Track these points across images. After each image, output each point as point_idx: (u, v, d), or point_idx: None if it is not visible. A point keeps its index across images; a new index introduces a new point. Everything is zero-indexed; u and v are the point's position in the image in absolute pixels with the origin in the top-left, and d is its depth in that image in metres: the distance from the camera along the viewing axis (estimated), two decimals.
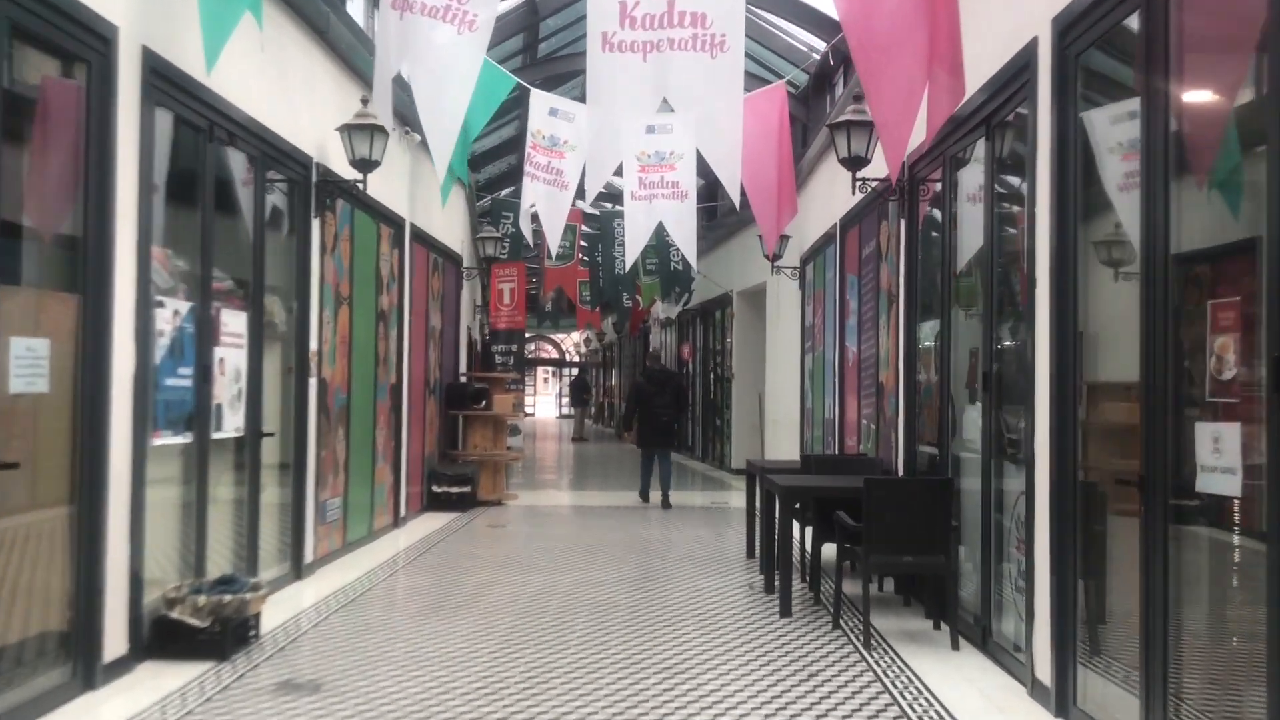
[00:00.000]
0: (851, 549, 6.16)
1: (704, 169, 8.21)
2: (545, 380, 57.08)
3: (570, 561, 8.42)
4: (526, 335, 48.19)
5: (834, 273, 10.56)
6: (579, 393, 31.81)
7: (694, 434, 20.84)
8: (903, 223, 7.51)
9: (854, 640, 5.85)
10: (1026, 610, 4.97)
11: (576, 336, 46.10)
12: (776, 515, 7.15)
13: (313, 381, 7.59)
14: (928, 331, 6.98)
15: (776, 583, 7.09)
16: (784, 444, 13.70)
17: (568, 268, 16.63)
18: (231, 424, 6.24)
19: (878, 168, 7.70)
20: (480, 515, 11.32)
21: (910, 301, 7.33)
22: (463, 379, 13.10)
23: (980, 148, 5.87)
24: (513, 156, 17.91)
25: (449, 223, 12.52)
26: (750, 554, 8.75)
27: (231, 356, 6.20)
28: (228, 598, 5.23)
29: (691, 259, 10.79)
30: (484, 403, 12.28)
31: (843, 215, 10.02)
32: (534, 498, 13.32)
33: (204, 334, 5.82)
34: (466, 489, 11.54)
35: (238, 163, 6.49)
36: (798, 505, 6.88)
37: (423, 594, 7.11)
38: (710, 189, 18.72)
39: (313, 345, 7.56)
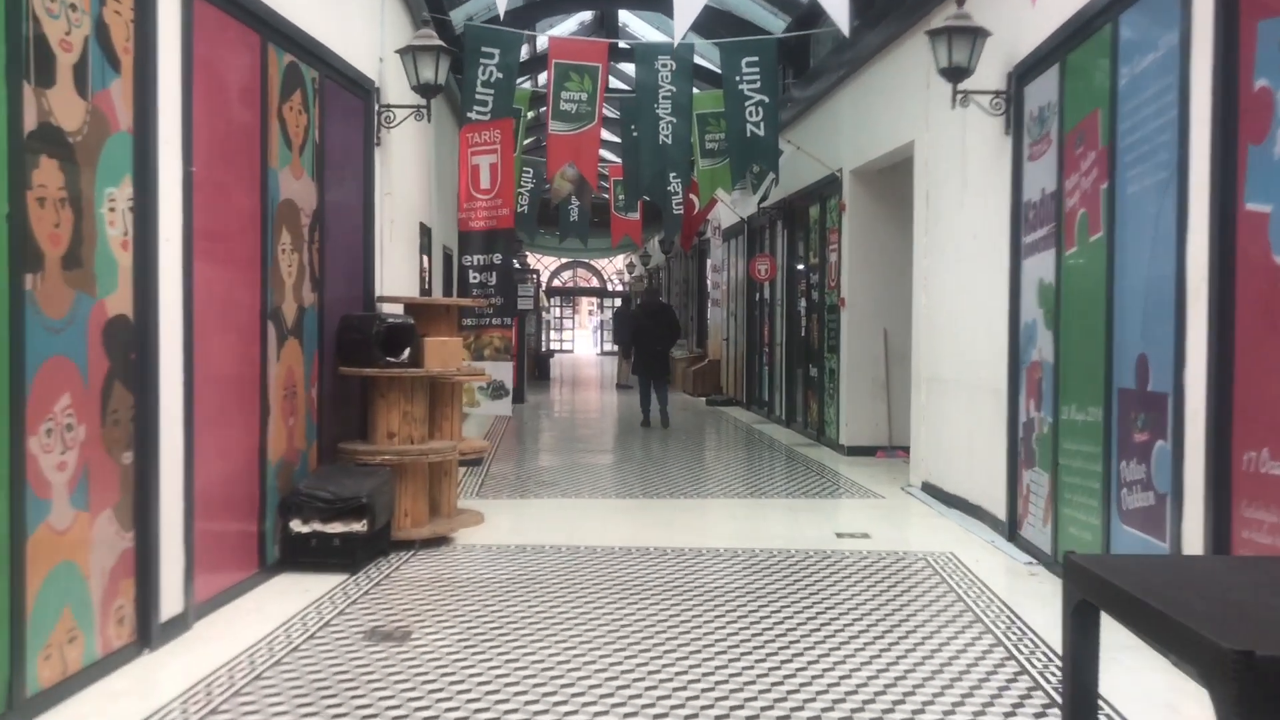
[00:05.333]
0: None
1: None
2: (590, 313, 51.39)
3: None
4: (561, 260, 42.44)
5: (1169, 51, 4.50)
6: (623, 329, 25.84)
7: (768, 384, 14.87)
8: None
9: None
10: None
11: (619, 262, 40.13)
12: None
13: None
14: None
15: None
16: (958, 422, 7.72)
17: (585, 133, 10.61)
18: None
19: None
20: (380, 583, 5.54)
21: None
22: (386, 312, 7.22)
23: None
24: None
25: (340, 6, 6.58)
26: None
27: None
28: None
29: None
30: (405, 353, 6.41)
31: None
32: (519, 517, 7.52)
33: None
34: (359, 525, 5.74)
35: None
36: None
37: None
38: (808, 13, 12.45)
39: None
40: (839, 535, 6.85)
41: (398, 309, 7.17)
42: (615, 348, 30.26)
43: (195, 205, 4.70)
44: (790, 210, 13.39)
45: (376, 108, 7.19)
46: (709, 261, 20.01)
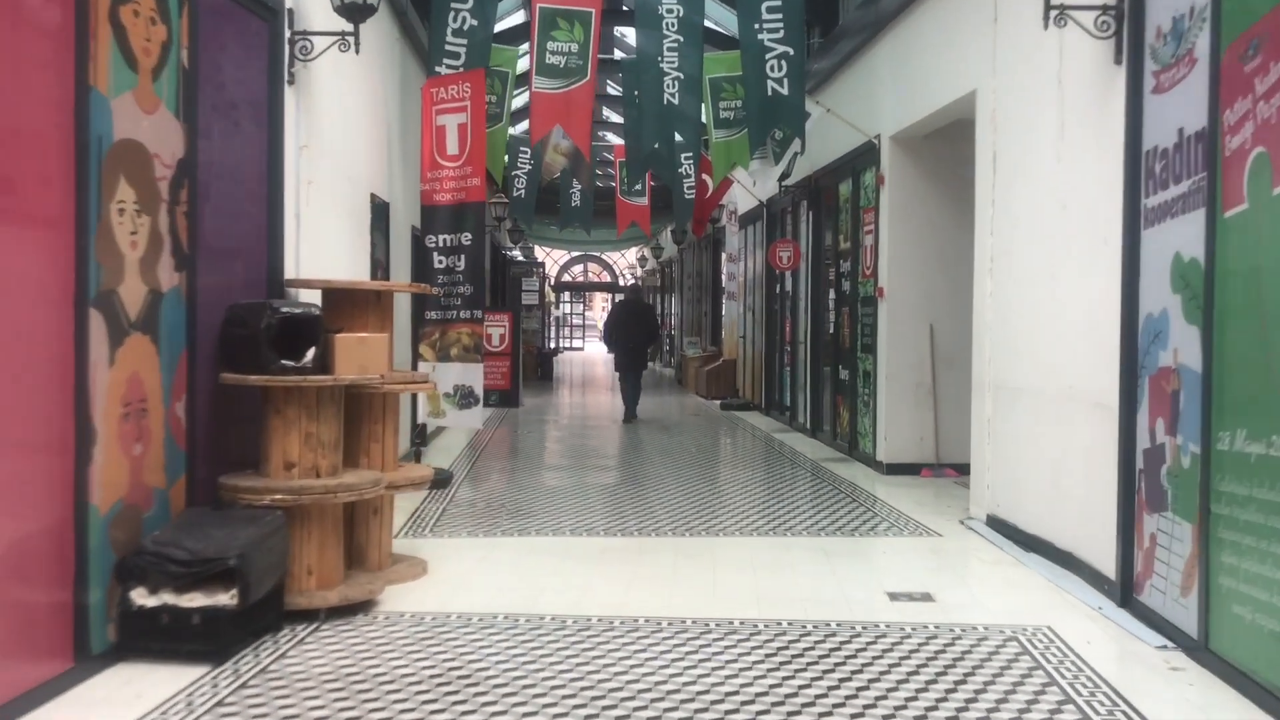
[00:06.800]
0: None
1: None
2: (604, 309, 49.84)
3: None
4: (571, 254, 40.74)
5: None
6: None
7: (790, 388, 13.20)
8: None
9: None
10: None
11: (631, 256, 38.53)
12: None
13: None
14: None
15: None
16: (1039, 442, 6.03)
17: (576, 90, 8.91)
18: None
19: None
20: (249, 683, 3.89)
21: None
22: (290, 300, 5.59)
23: None
24: None
25: None
26: None
27: None
28: None
29: None
30: (309, 354, 4.75)
31: None
32: (476, 565, 5.86)
33: None
34: (227, 597, 4.09)
35: None
36: None
37: None
38: None
39: None
40: (892, 597, 5.16)
41: (315, 296, 5.53)
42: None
43: None
44: (816, 189, 11.69)
45: (288, 34, 5.54)
46: (724, 252, 18.34)
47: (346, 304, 5.38)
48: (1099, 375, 5.25)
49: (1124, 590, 4.92)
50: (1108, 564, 5.10)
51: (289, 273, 5.57)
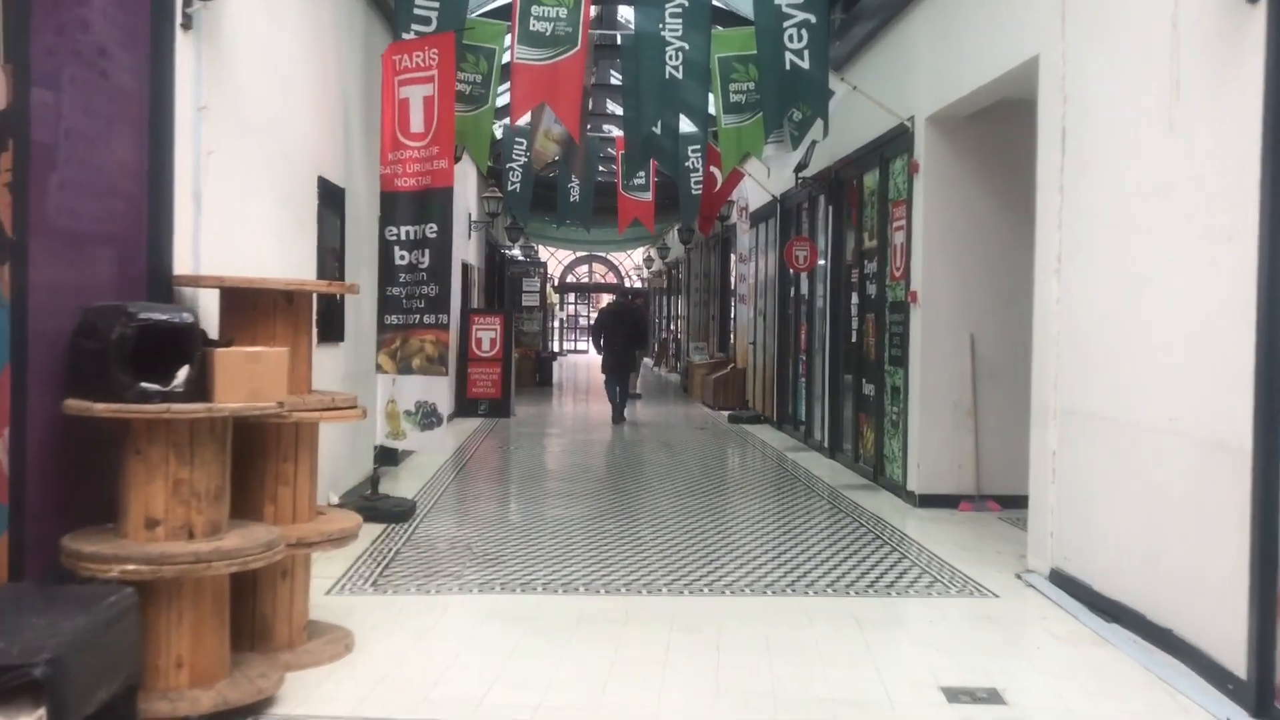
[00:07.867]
0: None
1: None
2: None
3: None
4: (576, 254, 39.58)
5: None
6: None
7: (805, 400, 12.02)
8: None
9: None
10: None
11: (637, 257, 37.39)
12: None
13: None
14: None
15: None
16: (1125, 486, 4.82)
17: (564, 62, 7.72)
18: None
19: None
20: None
21: None
22: (168, 307, 4.40)
23: None
24: None
25: None
26: None
27: None
28: None
29: None
30: (181, 374, 3.58)
31: None
32: (417, 638, 4.68)
33: None
34: (33, 718, 2.94)
35: None
36: None
37: None
38: None
39: None
40: (950, 696, 3.95)
41: (213, 298, 4.36)
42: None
43: None
44: (837, 181, 10.49)
45: None
46: (733, 251, 17.15)
47: (249, 308, 4.21)
48: (1217, 406, 4.06)
49: (1260, 695, 3.73)
50: (1232, 656, 3.90)
51: (183, 267, 4.40)
